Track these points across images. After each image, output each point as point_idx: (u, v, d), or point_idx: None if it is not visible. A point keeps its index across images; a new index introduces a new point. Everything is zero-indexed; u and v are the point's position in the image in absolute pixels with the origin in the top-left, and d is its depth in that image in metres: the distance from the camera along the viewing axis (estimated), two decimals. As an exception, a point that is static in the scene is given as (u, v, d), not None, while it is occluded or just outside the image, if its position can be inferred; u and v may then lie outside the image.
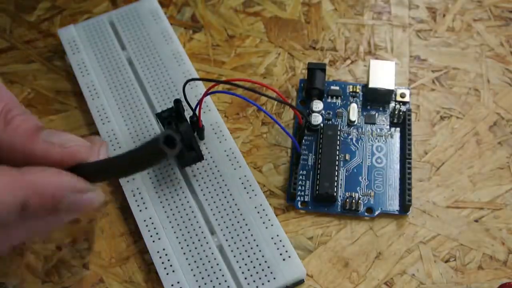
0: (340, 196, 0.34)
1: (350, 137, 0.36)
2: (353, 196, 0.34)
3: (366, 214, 0.33)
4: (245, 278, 0.31)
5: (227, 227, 0.32)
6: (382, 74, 0.36)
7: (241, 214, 0.32)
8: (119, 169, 0.27)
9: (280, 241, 0.32)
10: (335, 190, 0.33)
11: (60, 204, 0.25)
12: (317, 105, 0.36)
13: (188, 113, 0.35)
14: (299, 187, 0.34)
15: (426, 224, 0.33)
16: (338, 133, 0.35)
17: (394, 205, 0.34)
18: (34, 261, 0.32)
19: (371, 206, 0.34)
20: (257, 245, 0.31)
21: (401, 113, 0.36)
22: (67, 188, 0.25)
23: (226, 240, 0.32)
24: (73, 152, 0.26)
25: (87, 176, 0.26)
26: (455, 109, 0.37)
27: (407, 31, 0.40)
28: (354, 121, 0.36)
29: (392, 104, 0.37)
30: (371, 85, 0.36)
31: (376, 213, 0.33)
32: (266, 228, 0.32)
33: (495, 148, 0.36)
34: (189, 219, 0.32)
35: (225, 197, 0.33)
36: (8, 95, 0.26)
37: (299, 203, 0.34)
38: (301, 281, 0.31)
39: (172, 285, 0.31)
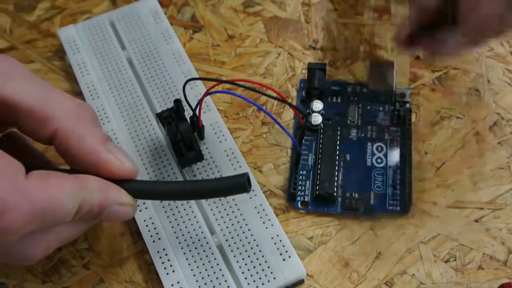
0: (340, 196, 0.34)
1: (350, 137, 0.36)
2: (353, 196, 0.34)
3: (366, 214, 0.33)
4: (245, 278, 0.31)
5: (227, 227, 0.32)
6: (382, 74, 0.36)
7: (241, 214, 0.32)
8: (170, 194, 0.29)
9: (280, 241, 0.32)
10: (335, 190, 0.33)
11: (102, 213, 0.27)
12: (317, 105, 0.36)
13: (188, 113, 0.35)
14: (299, 187, 0.34)
15: (426, 224, 0.33)
16: (338, 133, 0.35)
17: (394, 205, 0.34)
18: (34, 261, 0.32)
19: (371, 206, 0.34)
20: (257, 245, 0.31)
21: (401, 113, 0.36)
22: (113, 200, 0.28)
23: (226, 240, 0.32)
24: (129, 171, 0.28)
25: (134, 192, 0.29)
26: (455, 109, 0.37)
27: (407, 31, 0.40)
28: (354, 121, 0.36)
29: (392, 104, 0.37)
30: (371, 85, 0.36)
31: (376, 213, 0.33)
32: (266, 228, 0.32)
33: (495, 148, 0.36)
34: (189, 219, 0.32)
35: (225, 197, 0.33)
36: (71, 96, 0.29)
37: (299, 203, 0.34)
38: (301, 281, 0.31)
39: (172, 285, 0.31)
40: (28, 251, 0.26)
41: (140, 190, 0.29)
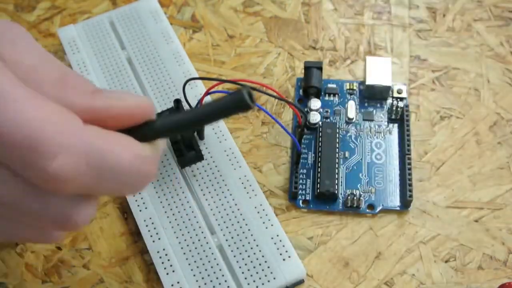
0: (341, 194, 0.34)
1: (348, 134, 0.36)
2: (354, 193, 0.34)
3: (367, 211, 0.33)
4: (245, 278, 0.31)
5: (227, 227, 0.32)
6: (379, 71, 0.37)
7: (241, 214, 0.32)
8: (191, 122, 0.24)
9: (280, 241, 0.32)
10: (336, 187, 0.33)
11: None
12: (315, 103, 0.36)
13: (188, 113, 0.35)
14: (300, 186, 0.34)
15: (426, 224, 0.33)
16: (337, 131, 0.35)
17: (395, 201, 0.34)
18: (34, 261, 0.32)
19: (372, 203, 0.34)
20: (257, 245, 0.31)
21: (398, 109, 0.36)
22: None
23: (226, 240, 0.32)
24: (135, 105, 0.24)
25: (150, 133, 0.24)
26: (455, 109, 0.37)
27: (407, 31, 0.40)
28: (352, 118, 0.36)
29: (390, 100, 0.37)
30: (368, 82, 0.36)
31: (378, 209, 0.33)
32: (266, 228, 0.32)
33: (495, 148, 0.36)
34: (189, 219, 0.32)
35: (225, 197, 0.33)
36: (60, 64, 0.25)
37: (300, 202, 0.34)
38: (301, 281, 0.31)
39: (172, 285, 0.31)
40: (74, 213, 0.23)
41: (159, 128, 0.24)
